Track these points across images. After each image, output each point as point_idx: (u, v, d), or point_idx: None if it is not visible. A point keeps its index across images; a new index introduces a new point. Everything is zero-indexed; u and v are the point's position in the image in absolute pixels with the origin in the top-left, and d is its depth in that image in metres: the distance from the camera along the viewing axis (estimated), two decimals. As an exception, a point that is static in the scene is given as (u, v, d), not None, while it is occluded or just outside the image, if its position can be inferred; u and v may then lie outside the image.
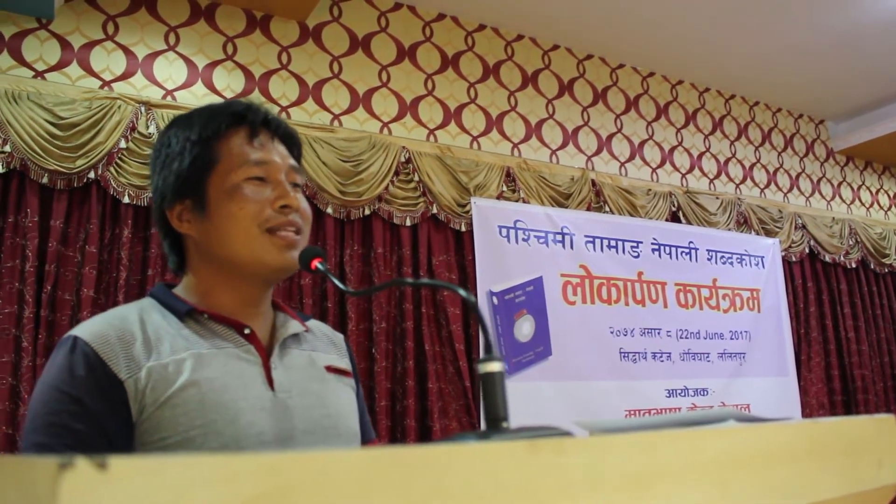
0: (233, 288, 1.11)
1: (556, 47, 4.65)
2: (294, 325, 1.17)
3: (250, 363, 1.07)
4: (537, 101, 4.50)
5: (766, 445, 0.62)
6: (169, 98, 3.41)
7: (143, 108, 3.26)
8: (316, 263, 1.06)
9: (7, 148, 2.96)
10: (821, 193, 5.89)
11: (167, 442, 0.94)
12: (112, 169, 3.15)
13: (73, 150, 3.07)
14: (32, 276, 2.94)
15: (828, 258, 5.59)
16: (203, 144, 1.10)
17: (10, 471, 0.30)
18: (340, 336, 1.30)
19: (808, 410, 5.17)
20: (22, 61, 3.16)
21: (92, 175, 3.12)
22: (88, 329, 1.00)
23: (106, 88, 3.28)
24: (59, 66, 3.22)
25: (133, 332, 1.01)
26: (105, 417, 0.94)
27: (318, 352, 1.19)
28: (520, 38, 4.51)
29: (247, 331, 1.09)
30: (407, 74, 4.07)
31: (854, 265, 5.76)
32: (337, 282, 1.03)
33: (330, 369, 1.18)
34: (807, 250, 5.49)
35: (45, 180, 3.03)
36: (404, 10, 4.14)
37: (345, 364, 1.23)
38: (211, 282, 1.11)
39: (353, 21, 3.97)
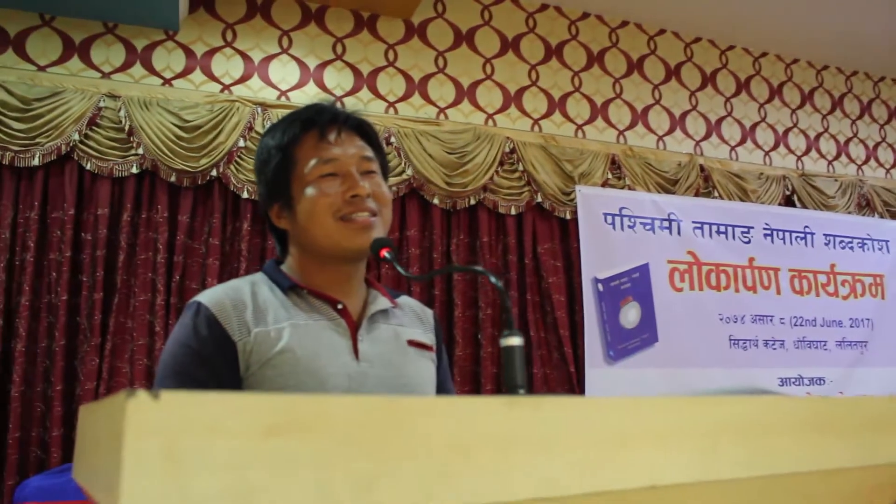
0: (324, 269, 1.25)
1: (661, 32, 4.60)
2: (383, 302, 1.31)
3: (340, 335, 1.21)
4: (643, 87, 4.47)
5: (766, 416, 0.67)
6: (283, 98, 3.62)
7: (259, 109, 3.48)
8: (384, 253, 1.18)
9: (140, 151, 3.24)
10: (954, 173, 5.56)
11: None
12: (232, 167, 3.39)
13: (196, 150, 3.32)
14: (163, 266, 3.21)
15: (961, 241, 5.28)
16: (283, 151, 1.25)
17: (108, 402, 0.42)
18: (430, 312, 1.43)
19: (938, 402, 4.91)
20: (152, 70, 3.44)
21: (214, 173, 3.36)
22: (209, 296, 1.19)
23: (226, 92, 3.52)
24: (184, 74, 3.48)
25: (245, 302, 1.18)
26: (220, 368, 1.12)
27: (405, 326, 1.32)
28: (624, 24, 4.50)
29: (339, 306, 1.24)
30: (511, 66, 4.14)
31: None
32: (401, 269, 1.14)
33: (412, 343, 1.30)
34: (937, 233, 5.21)
35: (172, 179, 3.30)
36: (507, 2, 4.21)
37: (428, 339, 1.35)
38: (307, 264, 1.27)
39: (457, 16, 4.07)
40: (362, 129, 1.32)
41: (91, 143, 3.23)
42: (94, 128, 3.25)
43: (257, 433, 0.39)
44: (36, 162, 3.14)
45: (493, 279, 0.97)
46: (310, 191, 1.22)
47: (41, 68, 3.29)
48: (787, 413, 0.67)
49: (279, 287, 1.24)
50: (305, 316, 1.21)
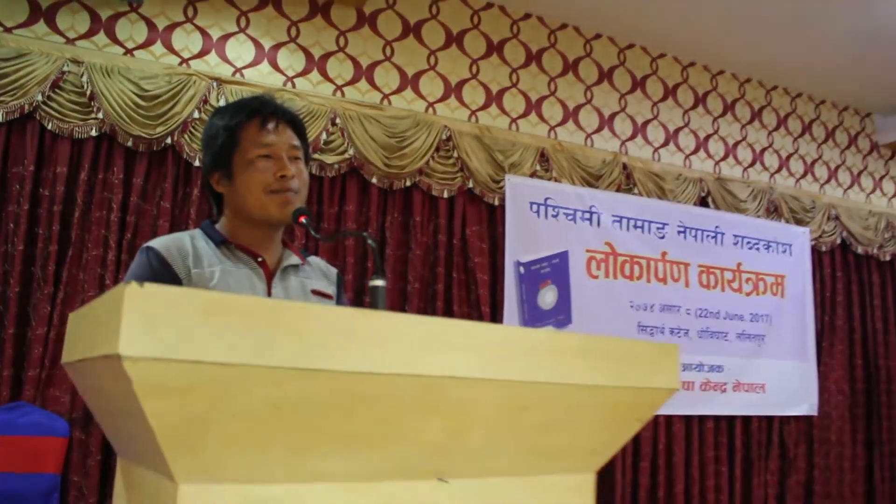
0: (250, 229, 1.60)
1: (597, 36, 4.95)
2: (294, 259, 1.66)
3: (258, 280, 1.57)
4: (577, 87, 4.82)
5: (547, 342, 1.00)
6: (238, 75, 3.88)
7: (214, 84, 3.73)
8: (302, 219, 1.52)
9: (100, 115, 3.48)
10: (860, 186, 6.04)
11: None
12: (186, 136, 3.65)
13: (154, 118, 3.57)
14: (116, 224, 3.47)
15: (860, 250, 5.77)
16: (229, 132, 1.59)
17: (107, 295, 0.73)
18: (334, 270, 1.80)
19: (826, 395, 5.41)
20: (115, 40, 3.66)
21: (169, 141, 3.61)
22: (159, 242, 1.53)
23: (184, 65, 3.76)
24: (145, 45, 3.72)
25: (186, 249, 1.52)
26: None
27: (310, 279, 1.68)
28: (563, 26, 4.83)
29: (259, 259, 1.59)
30: (453, 59, 4.45)
31: (888, 258, 5.92)
32: (314, 232, 1.51)
33: (315, 292, 1.66)
34: (838, 241, 5.68)
35: (129, 144, 3.54)
36: (454, -1, 4.51)
37: (330, 290, 1.71)
38: (237, 224, 1.61)
39: (406, 8, 4.36)
40: (294, 122, 1.65)
41: (53, 105, 3.45)
42: (56, 90, 3.46)
43: (199, 311, 0.71)
44: None
45: (369, 241, 1.32)
46: (247, 166, 1.56)
47: (7, 29, 3.49)
48: (563, 342, 1.01)
49: (213, 241, 1.56)
50: (232, 264, 1.54)
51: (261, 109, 1.60)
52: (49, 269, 3.36)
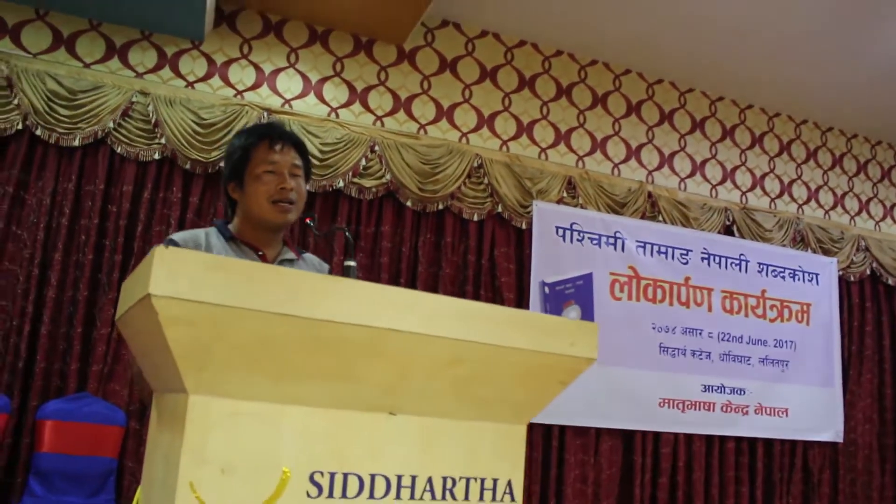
0: (255, 230, 1.94)
1: (627, 72, 5.23)
2: (290, 255, 1.99)
3: None
4: (605, 119, 5.10)
5: (475, 311, 1.28)
6: (286, 106, 4.27)
7: (265, 114, 4.13)
8: (308, 220, 1.86)
9: (162, 140, 3.90)
10: (893, 218, 6.14)
11: None
12: (238, 160, 4.04)
13: (209, 143, 3.98)
14: (173, 239, 3.87)
15: (891, 281, 5.87)
16: (244, 150, 1.95)
17: (145, 259, 1.05)
18: (327, 266, 2.12)
19: (852, 423, 5.50)
20: (178, 73, 4.10)
21: (223, 164, 4.01)
22: (178, 235, 1.88)
23: (238, 97, 4.18)
24: (204, 78, 4.15)
25: (200, 242, 1.87)
26: None
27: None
28: (593, 62, 5.13)
29: (260, 252, 1.93)
30: (487, 93, 4.78)
31: (920, 290, 6.00)
32: (315, 230, 1.83)
33: None
34: (868, 272, 5.79)
35: (187, 166, 3.96)
36: (489, 36, 4.85)
37: None
38: (245, 226, 1.96)
39: (444, 45, 4.72)
40: (298, 145, 2.02)
41: (122, 132, 3.89)
42: (126, 118, 3.90)
43: (205, 267, 1.03)
44: (76, 143, 3.80)
45: (346, 233, 1.65)
46: (255, 179, 1.91)
47: (86, 65, 3.96)
48: (495, 312, 1.30)
49: (223, 236, 1.91)
50: (237, 256, 1.89)
51: (269, 133, 1.96)
52: (114, 276, 3.77)
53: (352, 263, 1.58)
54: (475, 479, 1.36)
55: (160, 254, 1.00)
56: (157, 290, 0.99)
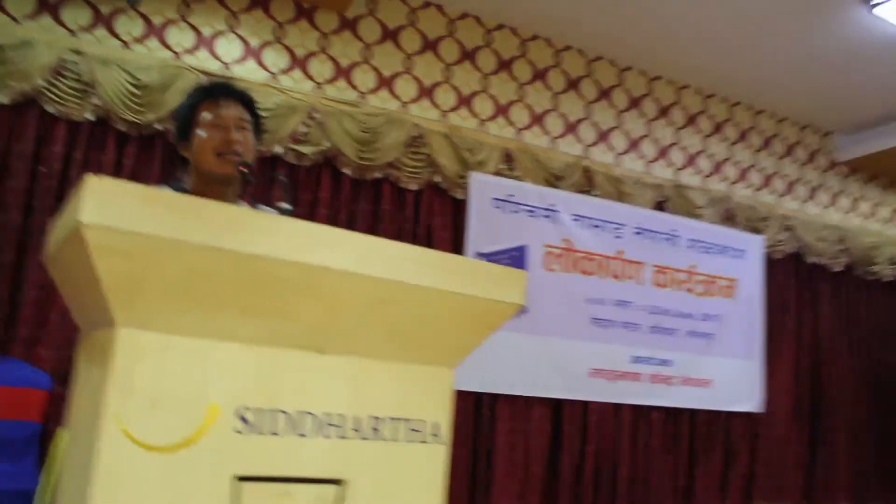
0: (206, 184, 1.97)
1: (567, 48, 5.30)
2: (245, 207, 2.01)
3: None
4: (544, 94, 5.17)
5: (406, 253, 1.30)
6: (226, 70, 4.23)
7: (203, 78, 4.08)
8: (242, 169, 1.91)
9: (97, 101, 3.83)
10: (817, 200, 6.38)
11: None
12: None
13: (145, 105, 3.92)
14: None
15: (813, 260, 6.11)
16: (191, 108, 1.99)
17: (76, 190, 1.07)
18: None
19: (771, 394, 5.74)
20: (113, 33, 4.02)
21: (159, 127, 3.96)
22: None
23: (176, 59, 4.12)
24: (141, 39, 4.07)
25: None
26: None
27: None
28: (534, 38, 5.18)
29: None
30: (428, 64, 4.80)
31: (840, 269, 6.26)
32: (250, 178, 1.88)
33: None
34: (792, 250, 6.02)
35: (122, 128, 3.89)
36: (432, 8, 4.86)
37: None
38: (196, 181, 1.99)
39: (386, 15, 4.71)
40: (244, 99, 2.05)
41: (54, 91, 3.79)
42: (58, 77, 3.81)
43: (140, 198, 1.04)
44: (5, 101, 3.69)
45: (281, 177, 1.68)
46: (201, 134, 1.95)
47: (16, 21, 3.85)
48: (425, 256, 1.33)
49: (175, 192, 1.92)
50: None
51: (214, 88, 2.02)
52: (42, 239, 3.70)
53: (287, 206, 1.62)
54: (404, 419, 1.39)
55: (91, 182, 1.00)
56: (87, 219, 0.98)
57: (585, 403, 4.97)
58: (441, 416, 1.44)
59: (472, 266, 1.44)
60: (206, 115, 1.95)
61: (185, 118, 1.99)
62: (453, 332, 1.44)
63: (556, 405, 4.88)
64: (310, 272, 1.20)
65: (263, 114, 4.04)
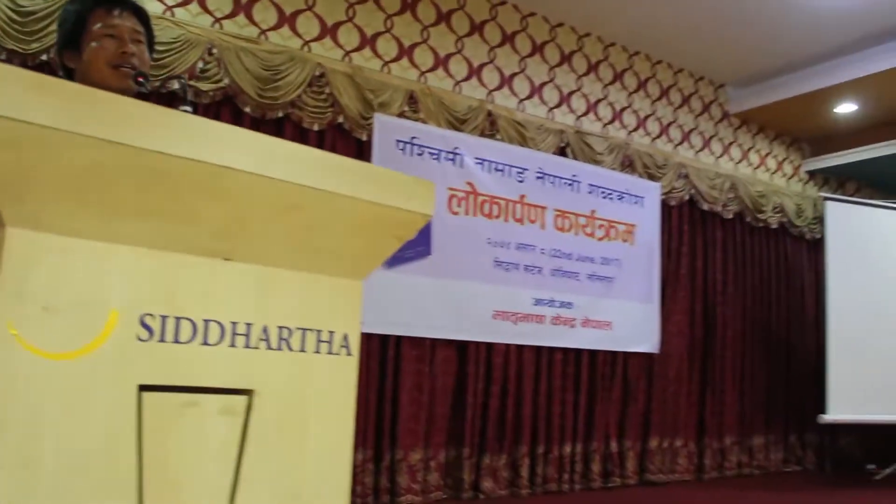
0: None
1: (471, -9, 5.28)
2: None
3: None
4: (448, 37, 5.14)
5: (315, 157, 1.27)
6: None
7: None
8: (140, 79, 1.80)
9: (-28, 26, 3.59)
10: (710, 149, 6.61)
11: None
12: (60, 53, 3.78)
13: (28, 34, 3.69)
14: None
15: (706, 207, 6.35)
16: (79, 14, 1.84)
17: None
18: None
19: (667, 336, 5.96)
20: (-11, -46, 3.75)
21: (44, 57, 3.74)
22: None
23: (60, -16, 3.88)
24: (20, -38, 3.82)
25: None
26: None
27: None
28: (439, -21, 5.14)
29: None
30: (331, 2, 4.68)
31: (731, 216, 6.53)
32: (147, 87, 1.78)
33: None
34: (687, 197, 6.24)
35: (3, 57, 3.65)
36: (334, -57, 4.74)
37: None
38: None
39: (286, -51, 4.57)
40: (138, 11, 1.92)
41: (-76, 13, 3.54)
42: (-73, -1, 3.55)
43: (29, 85, 0.96)
44: None
45: (180, 80, 1.63)
46: (94, 44, 1.81)
47: None
48: (334, 161, 1.30)
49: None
50: None
51: None
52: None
53: (188, 109, 1.54)
54: (312, 330, 1.36)
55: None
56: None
57: (490, 345, 5.04)
58: (350, 328, 1.42)
59: (382, 174, 1.40)
60: (98, 25, 1.82)
61: (74, 26, 1.83)
62: (361, 242, 1.41)
63: (461, 347, 4.94)
64: (214, 172, 1.14)
65: (160, 48, 3.90)
